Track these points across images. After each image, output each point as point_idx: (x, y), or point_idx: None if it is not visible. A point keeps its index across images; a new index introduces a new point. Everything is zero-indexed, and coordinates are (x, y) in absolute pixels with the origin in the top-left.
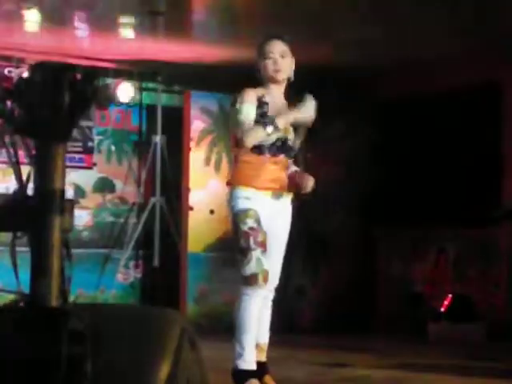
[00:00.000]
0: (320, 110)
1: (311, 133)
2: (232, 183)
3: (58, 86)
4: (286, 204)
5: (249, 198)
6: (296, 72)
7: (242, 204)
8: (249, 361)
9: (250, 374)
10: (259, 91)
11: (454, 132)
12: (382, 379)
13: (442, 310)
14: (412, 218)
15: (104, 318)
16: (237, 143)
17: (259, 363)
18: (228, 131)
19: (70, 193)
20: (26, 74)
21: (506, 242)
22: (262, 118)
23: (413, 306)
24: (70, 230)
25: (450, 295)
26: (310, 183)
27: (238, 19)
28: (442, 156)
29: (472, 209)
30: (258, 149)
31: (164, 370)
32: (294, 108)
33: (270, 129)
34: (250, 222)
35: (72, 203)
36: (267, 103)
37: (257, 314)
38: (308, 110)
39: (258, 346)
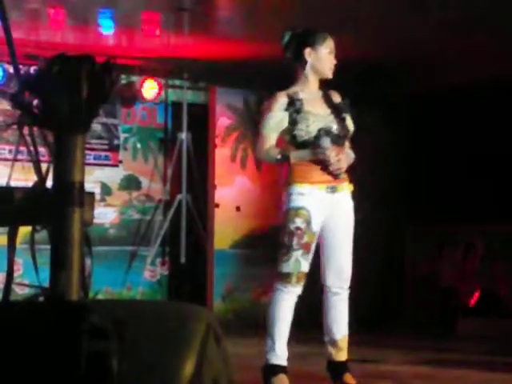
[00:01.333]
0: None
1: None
2: (287, 181)
3: (76, 78)
4: (343, 197)
5: (303, 193)
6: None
7: (294, 201)
8: (280, 355)
9: (280, 369)
10: (293, 89)
11: (482, 126)
12: (410, 375)
13: (471, 305)
14: (440, 214)
15: (129, 314)
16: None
17: (337, 362)
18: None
19: (96, 190)
20: (44, 66)
21: None
22: (297, 113)
23: (442, 302)
24: (90, 223)
25: (479, 290)
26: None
27: (262, 15)
28: (469, 151)
29: (500, 204)
30: (302, 145)
31: (189, 367)
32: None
33: (279, 157)
34: (299, 222)
35: (92, 196)
36: (300, 99)
37: (289, 310)
38: (325, 155)
39: (333, 342)
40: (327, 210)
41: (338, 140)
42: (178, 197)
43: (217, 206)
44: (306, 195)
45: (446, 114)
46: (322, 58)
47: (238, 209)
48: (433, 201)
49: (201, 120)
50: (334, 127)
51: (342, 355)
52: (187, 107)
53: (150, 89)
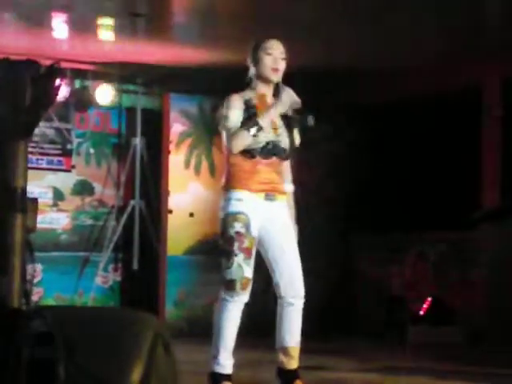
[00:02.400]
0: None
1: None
2: (225, 187)
3: (19, 83)
4: (281, 206)
5: (241, 199)
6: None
7: (233, 206)
8: (223, 364)
9: (223, 377)
10: (246, 94)
11: (434, 136)
12: (360, 382)
13: (422, 313)
14: (391, 222)
15: (76, 321)
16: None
17: (287, 370)
18: (214, 135)
19: (48, 195)
20: None
21: (485, 245)
22: (250, 121)
23: (392, 310)
24: (33, 230)
25: (430, 298)
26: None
27: (218, 22)
28: (421, 160)
29: (451, 212)
30: (249, 153)
31: (137, 373)
32: (273, 104)
33: (253, 130)
34: (238, 227)
35: (35, 202)
36: (255, 106)
37: (234, 320)
38: (287, 99)
39: (285, 350)
40: (265, 215)
41: (282, 154)
42: (131, 202)
43: (170, 212)
44: (245, 201)
45: (398, 124)
46: (260, 61)
47: (191, 215)
48: (383, 209)
49: (155, 126)
50: (283, 140)
51: (293, 363)
52: (141, 113)
53: (103, 94)
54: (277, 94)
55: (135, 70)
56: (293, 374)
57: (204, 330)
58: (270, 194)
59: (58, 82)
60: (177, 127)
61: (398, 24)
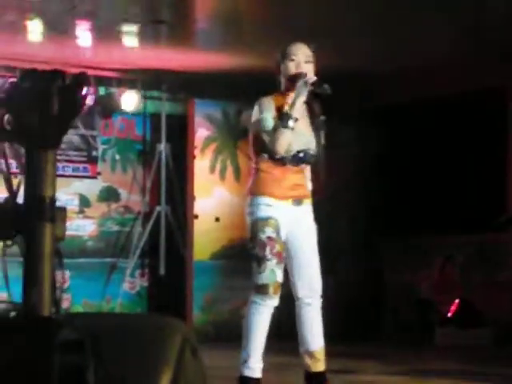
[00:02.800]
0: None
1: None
2: (253, 192)
3: (46, 93)
4: (307, 210)
5: (270, 204)
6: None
7: (262, 211)
8: (253, 368)
9: (253, 381)
10: (277, 100)
11: (458, 139)
12: None
13: (450, 315)
14: (418, 226)
15: (104, 328)
16: (258, 153)
17: (314, 373)
18: (238, 140)
19: (74, 202)
20: (15, 82)
21: None
22: (282, 118)
23: (420, 313)
24: (62, 238)
25: (457, 301)
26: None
27: (241, 27)
28: (446, 163)
29: (477, 215)
30: (280, 160)
31: (165, 380)
32: (295, 94)
33: (291, 123)
34: (269, 232)
35: (64, 211)
36: (287, 112)
37: (265, 323)
38: (303, 85)
39: (309, 353)
40: (292, 220)
41: (312, 160)
42: (157, 208)
43: (196, 217)
44: (274, 206)
45: (422, 128)
46: (284, 69)
47: (217, 220)
48: (411, 213)
49: (179, 131)
50: (312, 148)
51: (319, 366)
52: (166, 118)
53: (128, 100)
54: (293, 81)
55: (159, 76)
56: (321, 377)
57: (230, 335)
58: (297, 199)
59: (85, 91)
60: (201, 132)
61: (419, 24)
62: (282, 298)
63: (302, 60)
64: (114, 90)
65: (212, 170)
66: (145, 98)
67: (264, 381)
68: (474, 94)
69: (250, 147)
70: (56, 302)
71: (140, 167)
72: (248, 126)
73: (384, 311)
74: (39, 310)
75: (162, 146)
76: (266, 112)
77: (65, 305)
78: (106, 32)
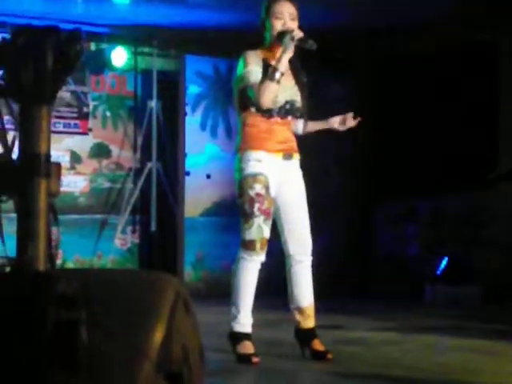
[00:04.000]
0: (313, 73)
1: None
2: (242, 148)
3: (40, 49)
4: (296, 165)
5: (260, 160)
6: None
7: (252, 167)
8: (243, 323)
9: (244, 336)
10: (263, 53)
11: (450, 95)
12: (379, 341)
13: (438, 272)
14: (408, 181)
15: (97, 283)
16: (245, 107)
17: (305, 329)
18: (233, 97)
19: (65, 159)
20: (9, 38)
21: (502, 204)
22: (269, 71)
23: (409, 269)
24: (56, 194)
25: (446, 257)
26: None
27: None
28: (437, 119)
29: (467, 171)
30: (267, 112)
31: (158, 334)
32: (282, 48)
33: (277, 75)
34: (258, 188)
35: (59, 167)
36: (271, 66)
37: (253, 279)
38: (289, 40)
39: (300, 310)
40: (282, 176)
41: (298, 113)
42: (149, 165)
43: (187, 173)
44: (264, 161)
45: (413, 82)
46: (270, 27)
47: (208, 177)
48: (401, 168)
49: (171, 88)
50: (298, 100)
51: (309, 322)
52: (157, 75)
53: (119, 56)
54: (280, 38)
55: (150, 32)
56: (310, 333)
57: (222, 291)
58: (288, 153)
59: (79, 47)
60: (193, 89)
61: None
62: (270, 255)
63: (287, 18)
64: (104, 45)
65: (203, 126)
66: (136, 54)
67: (254, 337)
68: (467, 48)
69: (236, 102)
70: (51, 258)
71: (131, 123)
72: (233, 80)
73: (374, 268)
74: (35, 264)
75: (154, 103)
76: (252, 65)
77: (56, 261)
78: None
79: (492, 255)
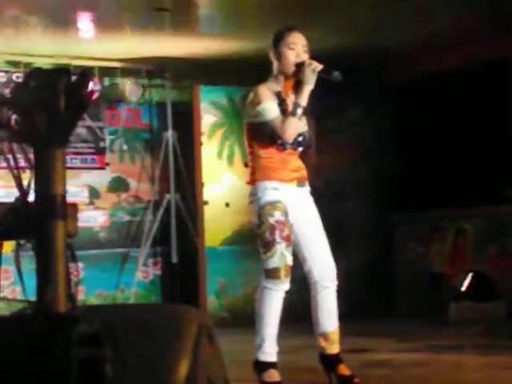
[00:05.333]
0: (331, 96)
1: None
2: (257, 179)
3: (52, 91)
4: (308, 191)
5: (277, 188)
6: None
7: (270, 195)
8: (268, 352)
9: (269, 365)
10: (273, 87)
11: (467, 111)
12: (405, 362)
13: (463, 289)
14: (428, 200)
15: (120, 319)
16: (257, 141)
17: (330, 355)
18: (242, 132)
19: (84, 194)
20: (21, 81)
21: None
22: (292, 106)
23: (433, 287)
24: (74, 235)
25: (471, 274)
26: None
27: (243, 12)
28: (455, 136)
29: (488, 186)
30: (281, 145)
31: (183, 368)
32: (304, 83)
33: (299, 111)
34: (278, 215)
35: (75, 207)
36: (284, 99)
37: (278, 307)
38: (310, 73)
39: (325, 336)
40: (297, 202)
41: (308, 144)
42: (167, 196)
43: (206, 203)
44: (280, 190)
45: (430, 101)
46: (283, 57)
47: (227, 205)
48: (420, 187)
49: (186, 118)
50: (306, 132)
51: (334, 348)
52: (171, 106)
53: (133, 90)
54: (298, 72)
55: (163, 64)
56: (336, 359)
57: (246, 319)
58: (301, 181)
59: (90, 86)
60: (208, 119)
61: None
62: (292, 280)
63: (301, 50)
64: (118, 79)
65: (220, 155)
66: (149, 86)
67: (280, 364)
68: (481, 66)
69: (248, 136)
70: (71, 297)
71: (148, 156)
72: (244, 116)
73: (397, 287)
74: (55, 306)
75: (169, 134)
76: (267, 101)
77: (79, 296)
78: (109, 22)
79: None
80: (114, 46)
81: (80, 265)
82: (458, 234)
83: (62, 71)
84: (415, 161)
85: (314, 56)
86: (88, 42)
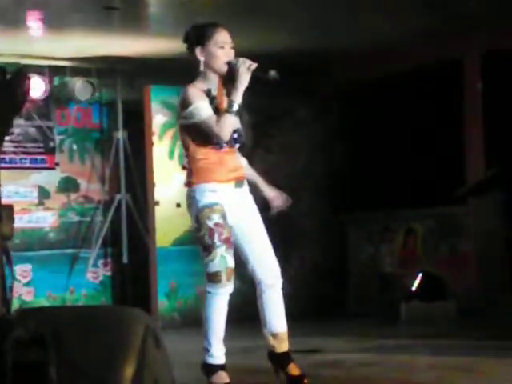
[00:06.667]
0: (282, 97)
1: (276, 119)
2: (194, 182)
3: None
4: (247, 190)
5: (215, 190)
6: (256, 60)
7: (207, 198)
8: (216, 355)
9: (217, 367)
10: (202, 85)
11: (416, 112)
12: (355, 363)
13: (413, 289)
14: (378, 200)
15: (65, 321)
16: (192, 142)
17: (280, 353)
18: (182, 135)
19: (33, 194)
20: None
21: (473, 219)
22: (227, 103)
23: (384, 287)
24: (9, 237)
25: (421, 274)
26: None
27: (193, 11)
28: (404, 137)
29: (437, 188)
30: (217, 144)
31: (129, 371)
32: (238, 79)
33: (235, 107)
34: (216, 218)
35: (11, 209)
36: (215, 97)
37: (222, 311)
38: (244, 69)
39: (275, 335)
40: (237, 204)
41: (244, 140)
42: (118, 196)
43: (157, 203)
44: (218, 192)
45: (379, 102)
46: (213, 56)
47: (178, 206)
48: (370, 188)
49: (136, 118)
50: (241, 128)
51: (283, 346)
52: (122, 106)
53: (83, 89)
54: (230, 70)
55: (113, 64)
56: (286, 357)
57: (197, 320)
58: (239, 180)
59: (25, 86)
60: (159, 119)
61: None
62: (243, 280)
63: (229, 48)
64: (68, 79)
65: (171, 155)
66: (100, 85)
67: (229, 365)
68: (430, 67)
69: (183, 138)
70: (6, 302)
71: (98, 156)
72: (178, 118)
73: (348, 287)
74: None
75: (120, 134)
76: (198, 101)
77: (28, 298)
78: (58, 21)
79: (464, 270)
80: (63, 44)
81: (29, 266)
82: (408, 234)
83: None
84: (367, 161)
85: (263, 56)
86: (37, 41)
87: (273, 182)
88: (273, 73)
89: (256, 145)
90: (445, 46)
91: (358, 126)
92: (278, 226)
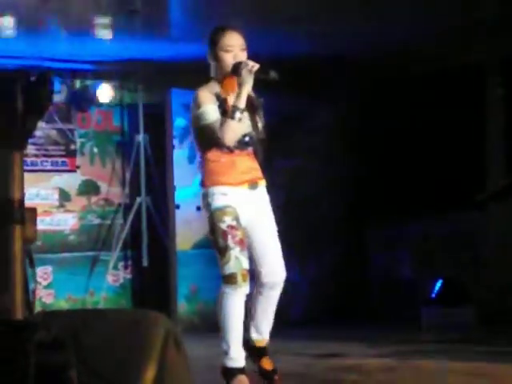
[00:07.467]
0: (304, 100)
1: (296, 122)
2: (206, 184)
3: (11, 93)
4: (263, 192)
5: (226, 193)
6: (271, 65)
7: (219, 201)
8: (235, 358)
9: (237, 370)
10: (213, 88)
11: (437, 117)
12: (375, 368)
13: (433, 295)
14: (398, 205)
15: (85, 325)
16: (205, 145)
17: (258, 347)
18: (194, 138)
19: (54, 197)
20: None
21: (493, 225)
22: (229, 109)
23: (405, 293)
24: (33, 240)
25: (441, 280)
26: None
27: (214, 15)
28: (425, 141)
29: (458, 193)
30: (227, 148)
31: (149, 373)
32: (241, 83)
33: (238, 115)
34: (228, 220)
35: (34, 212)
36: (225, 99)
37: (240, 312)
38: (247, 73)
39: (259, 331)
40: (249, 205)
41: (256, 143)
42: (138, 199)
43: (177, 207)
44: (229, 194)
45: (399, 107)
46: (219, 59)
47: (198, 209)
48: (391, 193)
49: (157, 121)
50: (253, 131)
51: (264, 342)
52: (143, 109)
53: (104, 92)
54: (235, 71)
55: (134, 67)
56: (262, 351)
57: (216, 324)
58: (253, 182)
59: (49, 89)
60: (179, 122)
61: (397, 3)
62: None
63: (238, 51)
64: (89, 82)
65: (191, 159)
66: (121, 89)
67: (249, 369)
68: (453, 70)
69: (195, 140)
70: (29, 304)
71: (119, 159)
72: (190, 119)
73: (368, 292)
74: (12, 314)
75: (140, 137)
76: (207, 104)
77: (48, 300)
78: (80, 24)
79: (485, 275)
80: (85, 47)
81: (49, 268)
82: (428, 239)
83: (20, 72)
84: (387, 165)
85: (284, 60)
86: (59, 45)
87: (292, 185)
88: (273, 73)
89: (275, 148)
90: (468, 49)
91: (378, 130)
92: (297, 230)
